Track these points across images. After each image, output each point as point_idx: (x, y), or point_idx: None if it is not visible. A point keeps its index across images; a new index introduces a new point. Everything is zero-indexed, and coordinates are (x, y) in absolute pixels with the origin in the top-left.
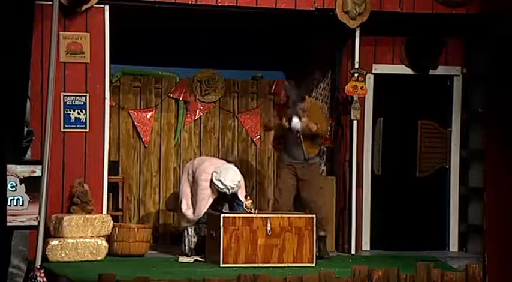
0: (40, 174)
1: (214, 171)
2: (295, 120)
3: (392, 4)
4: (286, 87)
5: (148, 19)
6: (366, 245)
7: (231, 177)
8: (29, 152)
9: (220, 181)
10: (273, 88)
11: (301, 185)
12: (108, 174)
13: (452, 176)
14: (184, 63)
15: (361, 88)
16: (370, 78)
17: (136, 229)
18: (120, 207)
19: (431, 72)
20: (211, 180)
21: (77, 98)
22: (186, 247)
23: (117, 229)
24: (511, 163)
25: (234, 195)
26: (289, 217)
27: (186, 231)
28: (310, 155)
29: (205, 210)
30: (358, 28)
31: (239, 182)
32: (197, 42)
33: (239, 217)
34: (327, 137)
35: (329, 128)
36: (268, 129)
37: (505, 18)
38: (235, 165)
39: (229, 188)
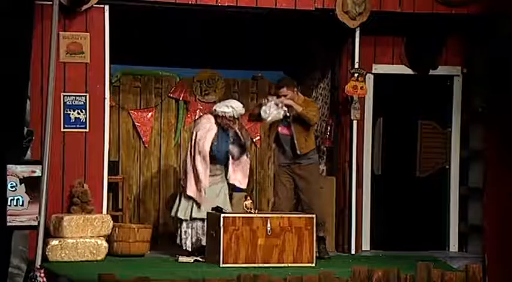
0: (40, 174)
1: (213, 109)
2: (277, 107)
3: (392, 4)
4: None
5: (148, 19)
6: (366, 245)
7: (233, 101)
8: (29, 152)
9: (225, 105)
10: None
11: (299, 186)
12: (108, 174)
13: (452, 176)
14: (184, 63)
15: (361, 88)
16: (370, 78)
17: (136, 229)
18: (120, 207)
19: (431, 72)
20: (214, 114)
21: (77, 98)
22: (188, 245)
23: (117, 229)
24: (511, 163)
25: (235, 135)
26: (289, 217)
27: (186, 227)
28: (302, 151)
29: (209, 144)
30: (358, 28)
31: (242, 104)
32: (197, 42)
33: (239, 217)
34: (327, 137)
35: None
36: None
37: (505, 18)
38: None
39: (236, 107)
